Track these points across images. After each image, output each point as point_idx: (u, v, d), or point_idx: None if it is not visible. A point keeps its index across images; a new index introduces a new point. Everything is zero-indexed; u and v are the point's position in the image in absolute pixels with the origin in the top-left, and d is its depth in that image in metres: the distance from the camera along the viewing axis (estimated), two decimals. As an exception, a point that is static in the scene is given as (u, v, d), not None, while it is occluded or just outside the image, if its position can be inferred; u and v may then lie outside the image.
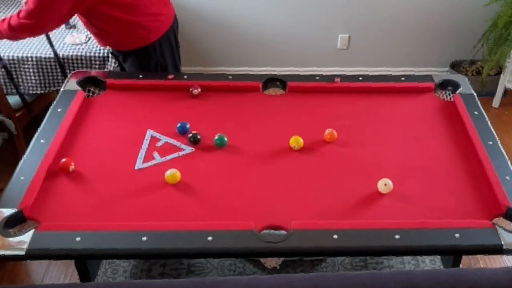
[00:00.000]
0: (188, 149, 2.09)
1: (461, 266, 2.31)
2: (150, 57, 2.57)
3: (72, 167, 1.95)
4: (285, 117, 2.26)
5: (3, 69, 2.83)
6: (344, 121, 2.22)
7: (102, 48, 2.88)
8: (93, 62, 2.87)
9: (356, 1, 3.66)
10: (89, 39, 2.97)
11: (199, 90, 2.36)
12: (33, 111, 2.93)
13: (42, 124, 2.15)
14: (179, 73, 2.53)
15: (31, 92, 2.92)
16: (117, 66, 2.86)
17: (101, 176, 1.95)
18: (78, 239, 1.67)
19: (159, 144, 2.11)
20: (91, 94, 2.38)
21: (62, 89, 2.35)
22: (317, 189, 1.91)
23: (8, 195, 1.82)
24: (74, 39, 2.97)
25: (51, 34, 3.02)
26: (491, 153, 2.00)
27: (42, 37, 2.99)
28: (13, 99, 2.89)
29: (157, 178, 1.93)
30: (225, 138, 2.08)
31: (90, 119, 2.22)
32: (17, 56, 2.84)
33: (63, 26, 3.08)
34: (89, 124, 2.20)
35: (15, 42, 2.93)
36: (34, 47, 2.90)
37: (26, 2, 2.40)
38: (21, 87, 2.92)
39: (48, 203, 1.82)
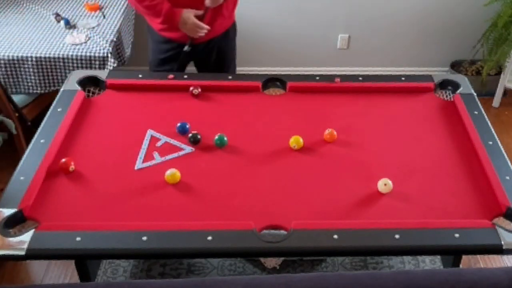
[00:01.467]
0: (188, 149, 2.09)
1: (461, 266, 2.31)
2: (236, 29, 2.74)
3: (72, 167, 1.95)
4: (285, 117, 2.26)
5: (4, 69, 2.84)
6: (344, 121, 2.22)
7: (102, 48, 2.88)
8: (93, 62, 2.87)
9: (356, 1, 3.66)
10: (89, 39, 2.97)
11: (199, 90, 2.36)
12: (28, 118, 2.94)
13: (42, 124, 2.15)
14: (179, 73, 2.53)
15: (31, 92, 2.92)
16: (115, 66, 2.85)
17: (101, 176, 1.95)
18: (78, 239, 1.67)
19: (159, 144, 2.11)
20: (91, 94, 2.38)
21: (62, 89, 2.35)
22: (317, 189, 1.91)
23: (8, 195, 1.81)
24: (74, 39, 2.96)
25: (50, 34, 3.03)
26: (491, 153, 2.00)
27: (42, 36, 2.99)
28: (16, 98, 2.90)
29: (157, 178, 1.93)
30: (225, 138, 2.08)
31: (90, 119, 2.22)
32: (17, 56, 2.84)
33: (63, 26, 3.09)
34: (89, 124, 2.20)
35: (15, 41, 2.93)
36: (34, 47, 2.90)
37: None
38: (21, 87, 2.92)
39: (48, 203, 1.82)
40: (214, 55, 2.71)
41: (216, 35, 2.63)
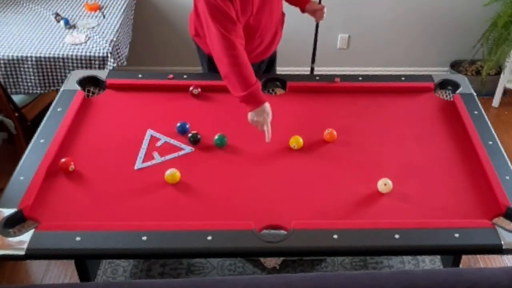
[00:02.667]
0: (188, 149, 2.09)
1: (461, 266, 2.31)
2: None
3: (72, 166, 1.95)
4: (285, 117, 2.26)
5: (4, 69, 2.84)
6: (344, 121, 2.22)
7: (102, 48, 2.88)
8: (93, 62, 2.87)
9: (356, 1, 3.66)
10: (89, 39, 2.97)
11: (199, 90, 2.35)
12: (28, 118, 2.93)
13: (42, 123, 2.15)
14: (179, 73, 2.53)
15: (30, 92, 2.92)
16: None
17: (101, 176, 1.95)
18: (78, 239, 1.67)
19: (159, 144, 2.11)
20: (90, 94, 2.38)
21: (62, 89, 2.35)
22: (317, 189, 1.91)
23: (8, 195, 1.81)
24: (74, 39, 2.96)
25: (49, 33, 3.03)
26: (491, 153, 2.00)
27: (42, 36, 2.99)
28: (16, 98, 2.90)
29: (157, 178, 1.93)
30: (225, 138, 2.08)
31: (90, 119, 2.22)
32: (17, 56, 2.84)
33: (62, 25, 3.09)
34: (89, 124, 2.20)
35: (15, 41, 2.93)
36: (34, 47, 2.90)
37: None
38: (21, 87, 2.92)
39: (47, 203, 1.82)
40: (264, 66, 2.62)
41: (274, 50, 2.58)
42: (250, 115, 2.07)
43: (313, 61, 2.77)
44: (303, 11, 2.52)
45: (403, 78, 2.46)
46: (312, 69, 2.80)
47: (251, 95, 2.04)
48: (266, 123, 2.05)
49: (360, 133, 2.17)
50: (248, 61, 2.06)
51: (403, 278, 1.50)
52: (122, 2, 3.38)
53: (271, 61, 2.66)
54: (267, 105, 2.06)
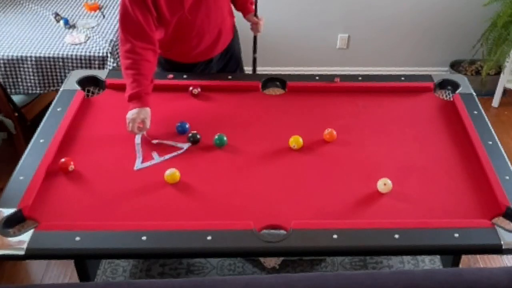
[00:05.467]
0: (186, 145, 2.08)
1: (460, 265, 2.31)
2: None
3: (71, 166, 1.95)
4: (284, 117, 2.26)
5: (3, 69, 2.84)
6: (343, 121, 2.22)
7: (101, 47, 2.88)
8: (92, 61, 2.87)
9: (355, 0, 3.66)
10: (88, 38, 2.97)
11: (199, 90, 2.36)
12: (28, 118, 2.93)
13: (42, 123, 2.15)
14: (179, 73, 2.53)
15: (30, 92, 2.92)
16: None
17: (100, 176, 1.95)
18: (77, 238, 1.66)
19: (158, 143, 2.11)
20: (90, 94, 2.38)
21: (61, 89, 2.35)
22: (317, 188, 1.91)
23: (7, 194, 1.81)
24: (74, 38, 2.96)
25: (49, 33, 3.03)
26: (491, 153, 2.00)
27: (42, 36, 2.99)
28: (16, 97, 2.90)
29: (156, 178, 1.93)
30: (225, 138, 2.08)
31: (89, 119, 2.22)
32: (17, 56, 2.84)
33: (62, 25, 3.08)
34: (89, 124, 2.20)
35: (15, 41, 2.93)
36: (33, 47, 2.90)
37: None
38: (21, 87, 2.92)
39: (47, 203, 1.82)
40: (216, 65, 2.59)
41: (222, 50, 2.53)
42: (128, 113, 2.10)
43: (254, 51, 2.75)
44: (245, 17, 2.58)
45: (403, 78, 2.46)
46: (254, 59, 2.75)
47: (135, 95, 2.10)
48: (134, 124, 2.08)
49: (360, 133, 2.17)
50: (147, 68, 2.13)
51: (403, 278, 1.50)
52: (122, 2, 3.38)
53: (230, 60, 2.61)
54: (147, 110, 2.11)
